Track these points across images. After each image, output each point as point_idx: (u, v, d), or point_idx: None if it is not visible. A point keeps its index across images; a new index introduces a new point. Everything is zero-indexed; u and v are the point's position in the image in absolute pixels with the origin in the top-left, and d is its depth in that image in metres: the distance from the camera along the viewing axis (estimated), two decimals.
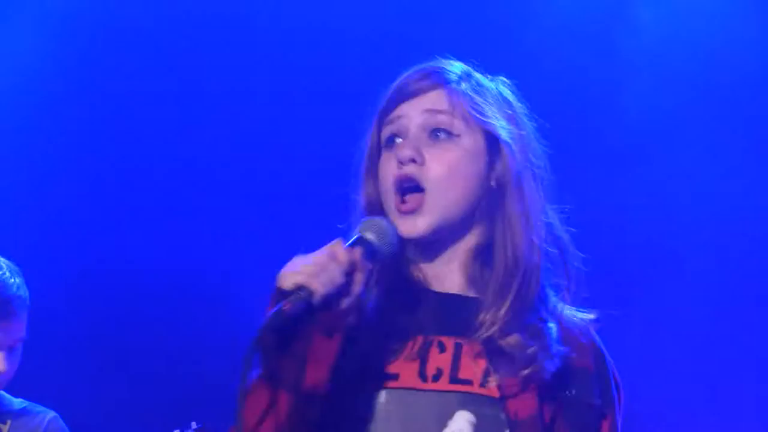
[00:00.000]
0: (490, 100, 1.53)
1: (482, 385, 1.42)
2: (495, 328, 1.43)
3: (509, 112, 1.54)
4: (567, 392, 1.45)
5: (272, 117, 3.79)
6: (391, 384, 1.43)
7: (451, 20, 3.67)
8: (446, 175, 1.46)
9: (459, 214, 1.48)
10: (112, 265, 3.81)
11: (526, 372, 1.42)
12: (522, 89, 1.60)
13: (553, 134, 1.60)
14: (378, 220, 1.45)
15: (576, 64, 3.59)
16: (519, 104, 1.56)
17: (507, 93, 1.57)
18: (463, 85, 1.52)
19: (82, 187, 3.79)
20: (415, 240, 1.47)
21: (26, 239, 3.57)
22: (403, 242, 1.47)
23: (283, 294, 1.31)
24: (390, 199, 1.48)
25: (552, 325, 1.46)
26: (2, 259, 2.33)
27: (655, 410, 3.40)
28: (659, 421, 3.42)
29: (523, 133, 1.53)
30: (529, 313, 1.45)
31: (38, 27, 3.85)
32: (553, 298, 1.50)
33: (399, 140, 1.50)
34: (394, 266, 1.50)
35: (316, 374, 1.36)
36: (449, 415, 1.42)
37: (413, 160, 1.46)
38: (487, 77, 1.57)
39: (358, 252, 1.37)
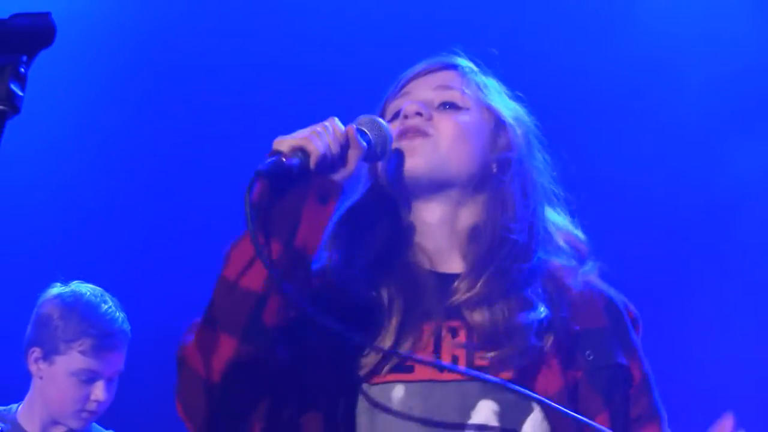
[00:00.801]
0: (497, 88, 1.57)
1: (497, 366, 1.37)
2: (468, 298, 1.40)
3: (513, 102, 1.57)
4: (586, 356, 1.40)
5: None
6: (408, 377, 1.38)
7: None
8: (452, 133, 1.46)
9: (458, 176, 1.46)
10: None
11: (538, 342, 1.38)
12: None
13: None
14: (377, 118, 1.45)
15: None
16: (518, 102, 1.59)
17: (507, 91, 1.60)
18: (472, 71, 1.56)
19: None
20: (413, 181, 1.45)
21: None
22: (404, 227, 1.48)
23: (276, 157, 1.32)
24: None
25: (543, 294, 1.43)
26: (107, 294, 2.44)
27: None
28: None
29: (525, 120, 1.55)
30: (512, 288, 1.41)
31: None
32: (552, 265, 1.47)
33: None
34: (396, 252, 1.47)
35: (309, 234, 1.35)
36: (471, 406, 1.36)
37: (419, 114, 1.46)
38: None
39: (352, 128, 1.39)
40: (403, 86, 1.54)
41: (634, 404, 1.42)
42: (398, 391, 1.37)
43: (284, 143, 1.33)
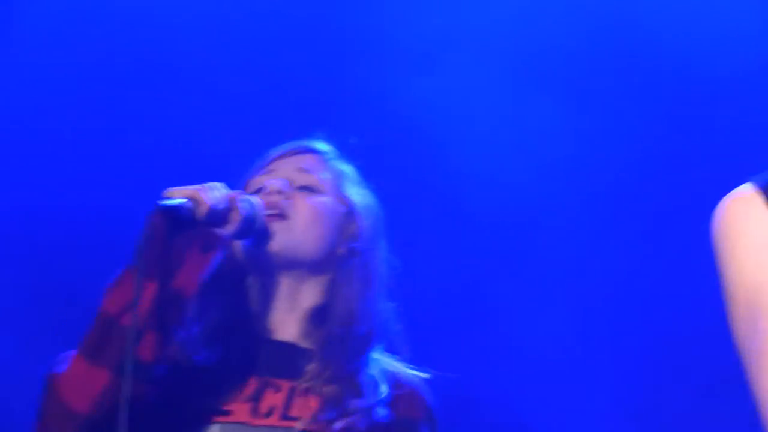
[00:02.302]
0: (351, 177, 1.75)
1: (310, 424, 1.57)
2: (320, 378, 1.59)
3: (364, 191, 1.75)
4: None
5: None
6: (223, 419, 1.55)
7: None
8: (307, 215, 1.63)
9: (307, 257, 1.63)
10: None
11: (346, 417, 1.56)
12: None
13: None
14: (257, 200, 1.60)
15: None
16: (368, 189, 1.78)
17: (361, 180, 1.78)
18: (332, 159, 1.75)
19: None
20: (266, 259, 1.62)
21: None
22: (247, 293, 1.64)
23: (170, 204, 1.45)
24: None
25: (377, 381, 1.62)
26: None
27: None
28: None
29: (375, 211, 1.73)
30: (355, 369, 1.61)
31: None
32: (383, 357, 1.66)
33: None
34: (236, 317, 1.63)
35: (187, 278, 1.49)
36: None
37: (280, 192, 1.62)
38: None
39: (236, 198, 1.53)
40: (267, 164, 1.70)
41: None
42: (215, 430, 1.55)
43: (176, 191, 1.47)
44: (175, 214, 1.44)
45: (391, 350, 1.69)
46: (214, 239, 1.51)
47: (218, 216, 1.48)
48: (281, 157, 1.70)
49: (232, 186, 1.60)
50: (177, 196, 1.45)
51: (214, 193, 1.48)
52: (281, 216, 1.60)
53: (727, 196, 1.21)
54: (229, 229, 1.51)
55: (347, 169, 1.75)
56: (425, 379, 1.68)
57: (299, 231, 1.61)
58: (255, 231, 1.56)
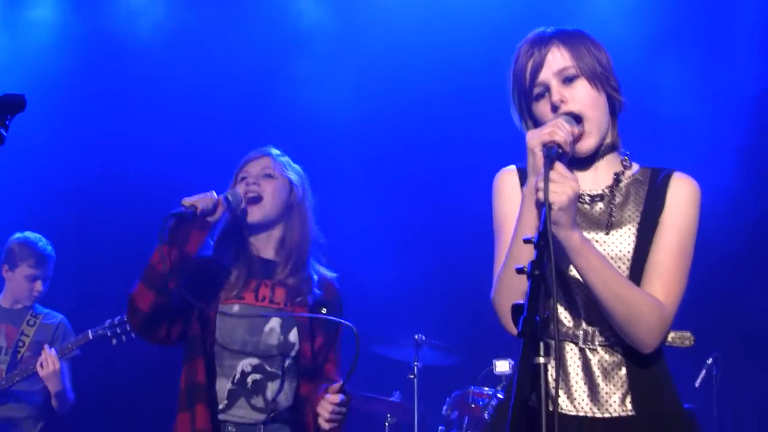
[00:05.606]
0: (287, 164, 3.24)
1: (285, 305, 2.92)
2: (283, 275, 2.93)
3: (295, 171, 3.28)
4: (321, 310, 2.99)
5: None
6: (239, 302, 2.93)
7: None
8: (271, 191, 3.11)
9: (274, 216, 3.04)
10: None
11: (299, 298, 2.89)
12: None
13: None
14: (236, 192, 2.91)
15: None
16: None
17: (294, 164, 3.28)
18: (277, 156, 3.19)
19: None
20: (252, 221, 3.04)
21: None
22: (245, 224, 2.98)
23: (181, 207, 2.77)
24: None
25: (314, 277, 2.94)
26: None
27: None
28: None
29: (302, 181, 3.21)
30: (302, 270, 2.93)
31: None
32: (314, 263, 2.98)
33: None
34: (242, 248, 2.95)
35: (192, 245, 2.81)
36: (268, 320, 2.91)
37: (255, 181, 3.01)
38: None
39: (221, 198, 2.85)
40: (244, 165, 3.06)
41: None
42: (236, 308, 2.93)
43: (186, 201, 2.78)
44: (182, 216, 2.75)
45: (317, 259, 3.04)
46: (206, 223, 2.83)
47: (207, 212, 2.80)
48: (251, 160, 3.03)
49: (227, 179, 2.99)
50: (186, 203, 2.75)
51: (206, 200, 2.78)
52: (258, 199, 2.94)
53: None
54: (216, 216, 2.83)
55: (285, 159, 3.07)
56: (335, 277, 3.04)
57: (268, 206, 2.97)
58: (238, 211, 2.88)
